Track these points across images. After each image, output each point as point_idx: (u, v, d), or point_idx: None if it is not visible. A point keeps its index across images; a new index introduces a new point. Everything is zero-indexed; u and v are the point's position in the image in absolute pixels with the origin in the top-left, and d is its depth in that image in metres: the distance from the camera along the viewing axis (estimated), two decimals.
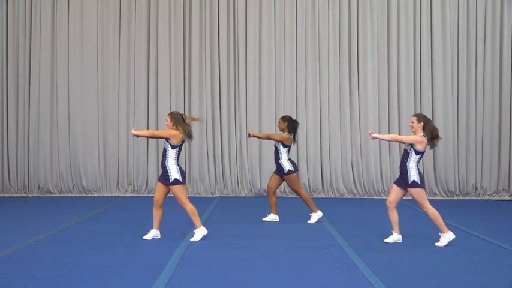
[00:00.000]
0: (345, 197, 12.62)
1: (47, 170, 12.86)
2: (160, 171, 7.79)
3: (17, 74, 12.91)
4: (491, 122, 12.66)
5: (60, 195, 12.83)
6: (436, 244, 7.37)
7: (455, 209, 11.12)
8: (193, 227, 8.63)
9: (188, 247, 7.15)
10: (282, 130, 9.21)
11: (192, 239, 7.61)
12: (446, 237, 7.38)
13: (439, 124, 12.56)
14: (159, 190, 7.70)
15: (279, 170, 9.14)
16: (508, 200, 12.55)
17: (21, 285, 5.44)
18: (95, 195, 12.80)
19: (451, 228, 8.80)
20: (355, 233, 8.17)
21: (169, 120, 7.80)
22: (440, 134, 12.49)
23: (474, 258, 6.66)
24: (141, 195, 12.73)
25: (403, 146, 7.59)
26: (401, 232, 7.64)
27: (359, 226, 8.80)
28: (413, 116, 7.53)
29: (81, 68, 12.91)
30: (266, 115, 12.71)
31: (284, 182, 9.54)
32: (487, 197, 12.64)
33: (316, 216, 9.20)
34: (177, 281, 5.62)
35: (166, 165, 7.63)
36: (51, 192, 12.86)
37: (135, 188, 12.84)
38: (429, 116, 12.56)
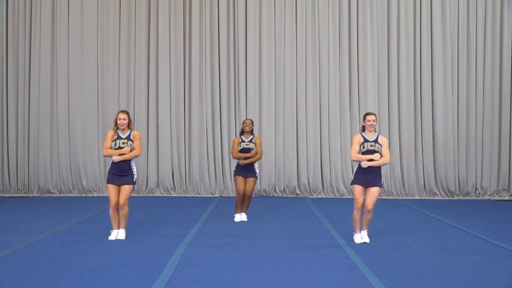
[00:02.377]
0: (345, 197, 12.61)
1: (47, 170, 12.85)
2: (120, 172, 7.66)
3: (17, 74, 12.91)
4: (491, 122, 12.66)
5: (60, 195, 12.83)
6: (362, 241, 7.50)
7: (455, 209, 11.13)
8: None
9: (188, 247, 7.15)
10: (251, 131, 9.26)
11: (121, 238, 7.63)
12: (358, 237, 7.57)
13: (439, 124, 12.58)
14: (116, 192, 7.63)
15: (252, 172, 9.16)
16: (508, 200, 12.56)
17: (21, 285, 5.44)
18: (95, 195, 12.79)
19: (451, 228, 8.81)
20: None
21: (127, 118, 7.79)
22: (440, 134, 12.65)
23: (474, 258, 6.66)
24: (140, 195, 12.73)
25: (373, 147, 7.44)
26: (401, 231, 7.67)
27: None
28: (373, 114, 7.53)
29: (81, 68, 12.91)
30: (266, 115, 12.71)
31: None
32: (487, 197, 12.64)
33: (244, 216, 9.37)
34: (177, 281, 5.61)
35: (131, 164, 7.71)
36: (51, 192, 12.86)
37: (135, 188, 12.83)
38: (429, 116, 12.62)
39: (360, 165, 7.40)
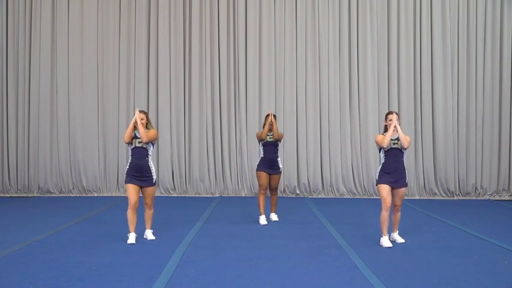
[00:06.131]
0: (345, 197, 12.62)
1: (47, 170, 12.85)
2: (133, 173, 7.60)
3: (17, 74, 12.91)
4: (491, 122, 12.66)
5: (60, 195, 12.83)
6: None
7: (455, 209, 11.12)
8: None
9: (188, 247, 7.15)
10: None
11: (151, 238, 7.70)
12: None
13: (439, 124, 12.58)
14: (136, 191, 7.58)
15: (276, 167, 9.07)
16: (508, 200, 12.55)
17: (21, 285, 5.43)
18: (95, 195, 12.79)
19: (451, 228, 8.81)
20: (355, 233, 8.16)
21: (145, 118, 7.54)
22: (440, 134, 12.64)
23: (474, 258, 6.66)
24: (140, 195, 12.69)
25: (396, 145, 7.30)
26: (401, 232, 7.68)
27: (359, 226, 8.79)
28: (395, 113, 7.34)
29: (81, 68, 12.91)
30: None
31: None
32: (487, 197, 12.64)
33: (275, 216, 9.38)
34: (177, 281, 5.61)
35: (150, 165, 7.60)
36: (51, 192, 12.86)
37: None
38: (429, 116, 12.61)
39: (383, 165, 7.26)
